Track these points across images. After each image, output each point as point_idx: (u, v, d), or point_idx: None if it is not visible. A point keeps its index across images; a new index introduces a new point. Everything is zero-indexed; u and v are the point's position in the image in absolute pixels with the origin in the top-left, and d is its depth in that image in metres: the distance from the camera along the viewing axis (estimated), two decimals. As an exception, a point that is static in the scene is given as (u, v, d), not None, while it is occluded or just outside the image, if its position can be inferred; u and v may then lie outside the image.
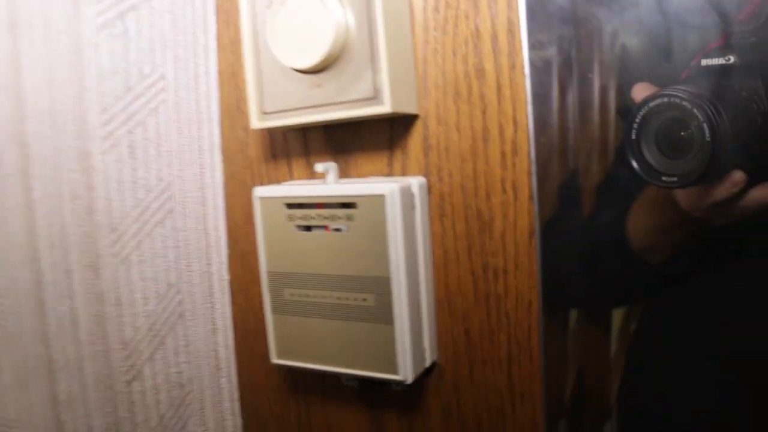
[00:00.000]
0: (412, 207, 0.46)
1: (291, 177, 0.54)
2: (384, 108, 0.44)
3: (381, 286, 0.46)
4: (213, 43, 0.55)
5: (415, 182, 0.47)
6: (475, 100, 0.46)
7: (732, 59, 0.37)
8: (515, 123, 0.45)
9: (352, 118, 0.46)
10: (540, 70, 0.44)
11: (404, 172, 0.49)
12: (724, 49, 0.37)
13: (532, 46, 0.44)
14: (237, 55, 0.55)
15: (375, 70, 0.44)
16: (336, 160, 0.52)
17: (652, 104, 0.37)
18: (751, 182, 0.36)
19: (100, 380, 0.47)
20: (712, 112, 0.35)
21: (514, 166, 0.46)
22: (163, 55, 0.51)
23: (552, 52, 0.43)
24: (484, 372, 0.49)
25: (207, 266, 0.55)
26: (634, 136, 0.38)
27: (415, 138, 0.49)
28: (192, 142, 0.54)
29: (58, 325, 0.44)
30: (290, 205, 0.48)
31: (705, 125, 0.35)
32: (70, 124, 0.45)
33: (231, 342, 0.58)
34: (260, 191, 0.49)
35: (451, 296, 0.49)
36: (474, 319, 0.49)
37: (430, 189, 0.49)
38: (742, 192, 0.36)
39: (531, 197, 0.46)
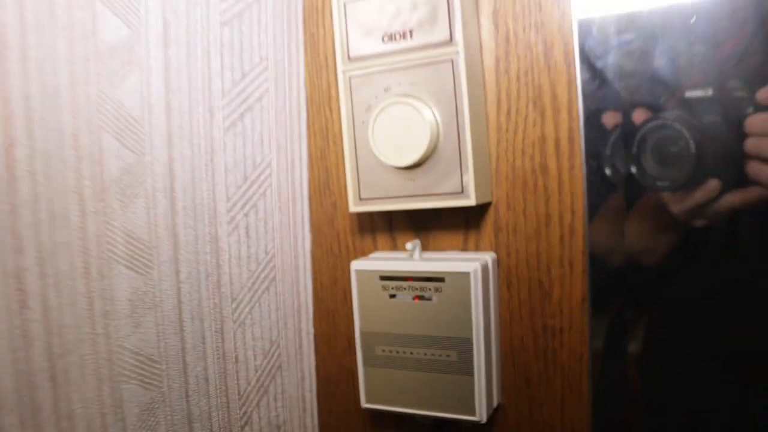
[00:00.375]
0: (488, 280, 0.56)
1: (375, 248, 0.63)
2: (469, 201, 0.53)
3: (463, 345, 0.55)
4: (305, 130, 0.64)
5: (489, 258, 0.57)
6: (540, 192, 0.56)
7: (710, 92, 0.49)
8: (572, 211, 0.55)
9: (440, 208, 0.56)
10: (594, 170, 0.54)
11: (477, 248, 0.59)
12: (704, 84, 0.49)
13: (588, 150, 0.54)
14: (325, 140, 0.64)
15: (462, 169, 0.54)
16: (417, 235, 0.61)
17: (649, 125, 0.49)
18: (725, 189, 0.49)
19: (223, 427, 0.56)
20: (695, 132, 0.47)
21: (570, 246, 0.56)
22: (269, 145, 0.60)
23: (604, 155, 0.53)
24: (541, 412, 0.59)
25: (298, 323, 0.64)
26: (634, 150, 0.51)
27: (488, 220, 0.58)
28: (289, 217, 0.62)
29: (195, 383, 0.53)
30: (383, 278, 0.57)
31: (691, 142, 0.47)
32: (206, 213, 0.53)
33: (314, 387, 0.66)
34: (356, 264, 0.58)
35: (515, 351, 0.59)
36: (533, 369, 0.58)
37: (499, 263, 0.58)
38: (717, 197, 0.49)
39: (584, 271, 0.55)
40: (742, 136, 0.48)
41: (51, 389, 0.41)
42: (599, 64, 0.53)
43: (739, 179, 0.48)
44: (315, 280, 0.66)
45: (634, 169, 0.51)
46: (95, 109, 0.44)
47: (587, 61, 0.53)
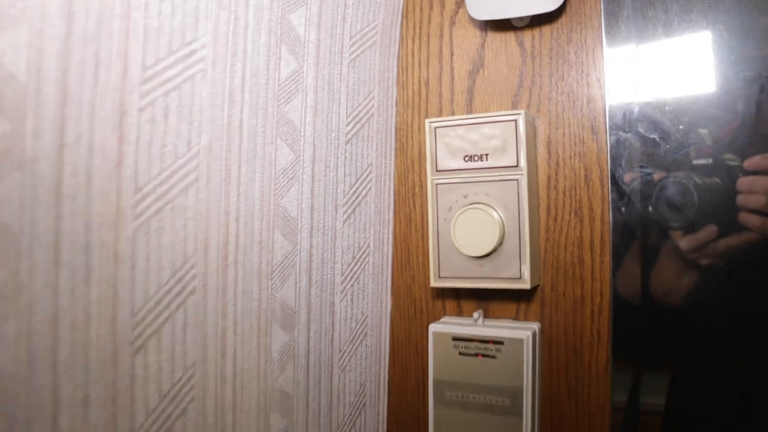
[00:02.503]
0: (535, 343, 0.74)
1: (444, 312, 0.81)
2: (525, 285, 0.71)
3: (515, 393, 0.72)
4: (392, 218, 0.82)
5: (536, 327, 0.74)
6: (577, 278, 0.74)
7: (711, 161, 0.68)
8: (601, 294, 0.73)
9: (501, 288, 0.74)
10: (618, 263, 0.72)
11: (526, 318, 0.77)
12: (707, 155, 0.68)
13: (615, 249, 0.72)
14: (408, 226, 0.82)
15: (521, 260, 0.72)
16: (479, 305, 0.79)
17: (664, 181, 0.67)
18: (722, 233, 0.67)
19: (327, 449, 0.72)
20: (700, 188, 0.65)
21: (599, 321, 0.73)
22: (369, 231, 0.78)
23: (628, 255, 0.72)
24: (569, 449, 0.76)
25: (379, 368, 0.81)
26: (653, 200, 0.68)
27: (536, 298, 0.76)
28: (378, 286, 0.80)
29: (312, 415, 0.70)
30: (455, 338, 0.75)
31: (695, 194, 0.65)
32: (329, 286, 0.71)
33: (385, 421, 0.83)
34: (434, 327, 0.75)
35: (553, 397, 0.76)
36: (566, 412, 0.76)
37: (543, 330, 0.76)
38: (716, 239, 0.67)
39: (608, 340, 0.73)
40: (734, 192, 0.67)
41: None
42: (626, 188, 0.71)
43: (733, 225, 0.66)
44: (393, 334, 0.83)
45: (653, 214, 0.70)
46: (272, 214, 0.62)
47: (617, 185, 0.72)
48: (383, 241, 0.81)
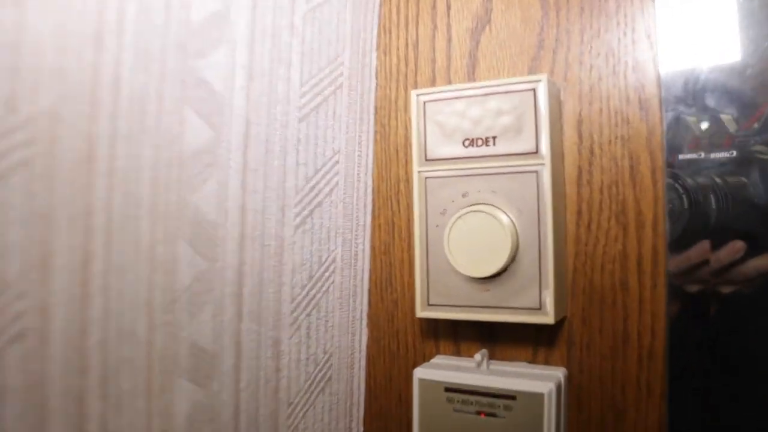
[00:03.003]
0: (560, 399, 0.53)
1: (437, 350, 0.60)
2: (547, 319, 0.51)
3: (530, 469, 0.52)
4: (369, 222, 0.62)
5: (561, 375, 0.54)
6: (618, 309, 0.53)
7: (734, 153, 0.49)
8: (652, 333, 0.52)
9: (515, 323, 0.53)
10: (675, 291, 0.52)
11: (547, 362, 0.56)
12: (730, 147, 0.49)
13: (673, 272, 0.52)
14: (390, 234, 0.62)
15: (542, 284, 0.51)
16: (483, 344, 0.58)
17: (745, 176, 0.46)
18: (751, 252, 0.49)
19: None
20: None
21: (649, 368, 0.53)
22: (335, 241, 0.58)
23: (688, 278, 0.51)
24: None
25: (349, 422, 0.61)
26: (729, 202, 0.50)
27: (561, 334, 0.55)
28: (348, 313, 0.60)
29: (247, 496, 0.50)
30: (449, 389, 0.54)
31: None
32: (270, 317, 0.51)
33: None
34: (420, 372, 0.55)
35: (582, 473, 0.55)
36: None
37: (570, 379, 0.55)
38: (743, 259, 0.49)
39: (662, 395, 0.52)
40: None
41: None
42: (689, 184, 0.51)
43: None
44: (369, 376, 0.63)
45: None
46: (174, 217, 0.42)
47: (676, 180, 0.51)
48: (356, 254, 0.61)
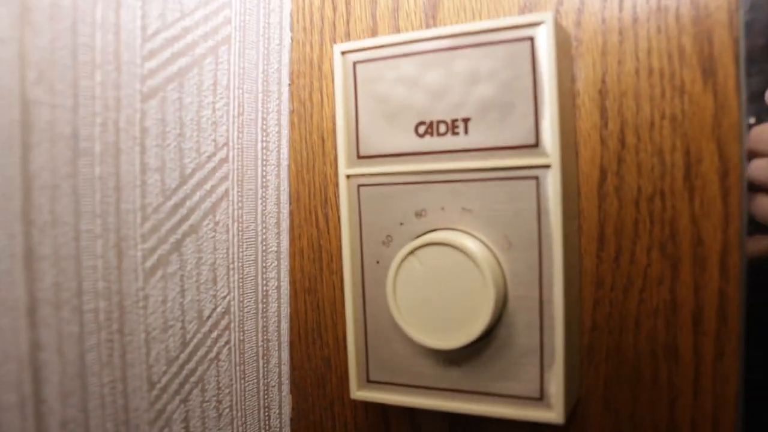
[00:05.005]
0: None
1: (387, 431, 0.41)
2: (553, 416, 0.31)
3: None
4: (286, 248, 0.42)
5: (573, 487, 0.35)
6: (662, 388, 0.34)
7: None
8: (715, 424, 0.33)
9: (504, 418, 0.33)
10: (757, 359, 0.32)
11: (552, 461, 0.37)
12: None
13: (750, 332, 0.32)
14: (316, 263, 0.42)
15: (544, 362, 0.31)
16: None
17: None
18: None
19: None
20: None
21: (710, 477, 0.34)
22: (227, 282, 0.38)
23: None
24: None
25: None
26: None
27: (572, 425, 0.36)
28: (257, 384, 0.40)
29: None
30: None
31: None
32: (109, 421, 0.31)
33: None
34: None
35: None
36: None
37: (587, 491, 0.36)
38: None
39: None
40: None
41: None
42: (786, 193, 0.31)
43: None
44: (294, 464, 0.44)
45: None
46: None
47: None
48: (266, 296, 0.41)
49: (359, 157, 0.35)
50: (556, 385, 0.31)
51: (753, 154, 0.32)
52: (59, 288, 0.28)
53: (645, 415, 0.35)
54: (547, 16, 0.30)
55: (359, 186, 0.35)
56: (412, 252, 0.32)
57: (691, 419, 0.34)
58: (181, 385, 0.35)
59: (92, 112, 0.29)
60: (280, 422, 0.43)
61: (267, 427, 0.42)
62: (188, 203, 0.35)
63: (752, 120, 0.32)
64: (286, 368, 0.43)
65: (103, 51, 0.29)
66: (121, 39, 0.30)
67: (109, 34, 0.29)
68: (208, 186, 0.36)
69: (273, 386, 0.42)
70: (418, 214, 0.33)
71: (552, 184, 0.31)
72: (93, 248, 0.29)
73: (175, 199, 0.34)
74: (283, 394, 0.43)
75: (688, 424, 0.34)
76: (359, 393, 0.36)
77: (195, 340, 0.36)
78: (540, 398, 0.32)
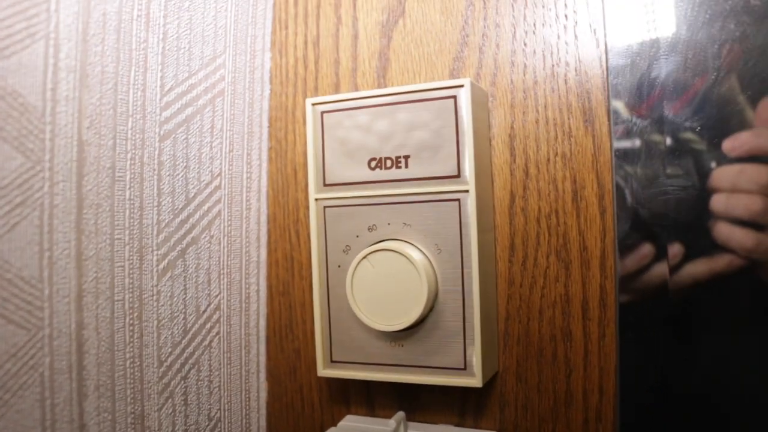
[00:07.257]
0: (492, 473, 0.44)
1: (347, 409, 0.50)
2: (474, 382, 0.41)
3: None
4: (264, 258, 0.52)
5: (493, 442, 0.44)
6: (560, 363, 0.44)
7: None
8: (601, 391, 0.43)
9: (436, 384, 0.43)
10: (631, 339, 0.43)
11: (476, 425, 0.47)
12: None
13: (624, 316, 0.43)
14: (290, 272, 0.51)
15: (467, 340, 0.41)
16: (401, 403, 0.48)
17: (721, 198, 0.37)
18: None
19: None
20: None
21: (597, 432, 0.44)
22: (218, 284, 0.47)
23: (640, 329, 0.42)
24: None
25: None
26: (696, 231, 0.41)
27: (492, 393, 0.46)
28: (241, 369, 0.49)
29: None
30: (359, 464, 0.44)
31: None
32: (129, 389, 0.40)
33: None
34: (324, 444, 0.45)
35: None
36: None
37: (505, 445, 0.46)
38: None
39: (613, 463, 0.44)
40: None
41: None
42: (643, 212, 0.42)
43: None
44: (270, 437, 0.53)
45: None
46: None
47: (626, 207, 0.42)
48: (248, 297, 0.51)
49: (325, 185, 0.45)
50: (476, 358, 0.41)
51: (713, 191, 0.40)
52: (98, 282, 0.37)
53: (548, 385, 0.45)
54: (466, 81, 0.41)
55: (325, 207, 0.45)
56: (365, 257, 0.42)
57: (583, 388, 0.44)
58: (182, 365, 0.44)
59: (125, 150, 0.38)
60: (258, 404, 0.52)
61: (248, 407, 0.51)
62: (191, 220, 0.44)
63: (713, 164, 0.41)
64: (263, 358, 0.52)
65: (134, 104, 0.39)
66: (146, 95, 0.40)
67: (138, 91, 0.39)
68: (205, 207, 0.45)
69: (252, 373, 0.51)
70: (371, 228, 0.43)
71: (470, 205, 0.41)
72: (122, 252, 0.39)
73: (181, 217, 0.43)
74: (261, 380, 0.52)
75: (581, 391, 0.44)
76: (325, 371, 0.45)
77: (193, 329, 0.45)
78: (464, 368, 0.42)
